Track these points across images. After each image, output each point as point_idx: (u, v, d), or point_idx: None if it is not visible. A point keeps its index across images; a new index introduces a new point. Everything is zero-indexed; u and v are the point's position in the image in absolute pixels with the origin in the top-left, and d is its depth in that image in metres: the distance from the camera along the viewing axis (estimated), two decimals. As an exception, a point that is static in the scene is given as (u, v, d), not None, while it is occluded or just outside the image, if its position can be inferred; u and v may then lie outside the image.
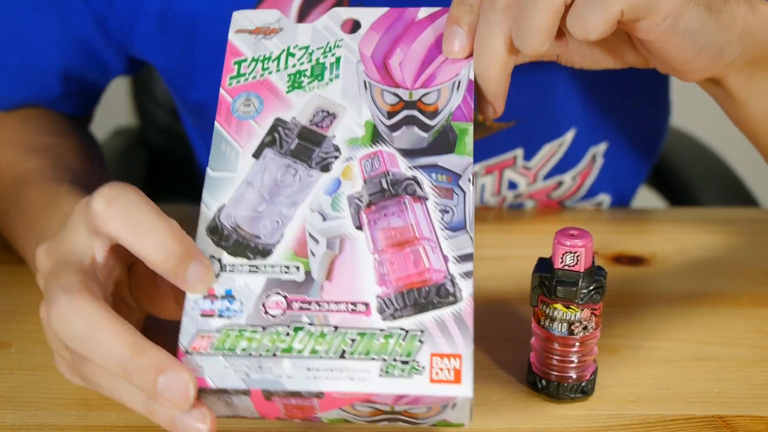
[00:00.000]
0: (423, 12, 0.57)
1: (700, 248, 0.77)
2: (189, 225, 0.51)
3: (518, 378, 0.60)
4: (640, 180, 0.94)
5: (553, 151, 0.87)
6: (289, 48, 0.57)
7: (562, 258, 0.55)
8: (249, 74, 0.56)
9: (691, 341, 0.64)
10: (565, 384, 0.57)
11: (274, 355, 0.47)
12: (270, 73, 0.56)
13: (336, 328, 0.48)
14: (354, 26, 0.57)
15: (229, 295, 0.49)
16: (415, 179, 0.52)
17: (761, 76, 0.60)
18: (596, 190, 0.90)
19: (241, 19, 0.58)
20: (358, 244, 0.50)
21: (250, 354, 0.47)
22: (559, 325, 0.56)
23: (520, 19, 0.52)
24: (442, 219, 0.51)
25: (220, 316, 0.48)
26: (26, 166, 0.71)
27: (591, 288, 0.55)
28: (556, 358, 0.57)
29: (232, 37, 0.57)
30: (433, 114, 0.54)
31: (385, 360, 0.47)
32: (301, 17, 0.72)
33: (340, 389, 0.46)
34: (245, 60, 0.56)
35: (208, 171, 0.53)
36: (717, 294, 0.70)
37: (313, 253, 0.50)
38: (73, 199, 0.62)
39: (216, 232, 0.51)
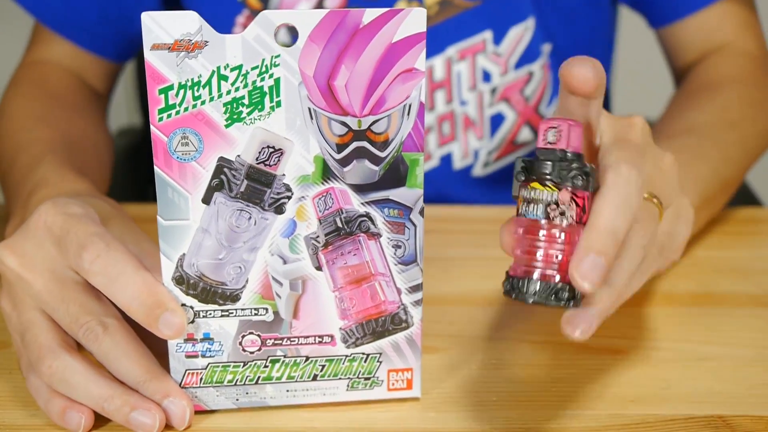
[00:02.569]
0: (369, 14, 0.49)
1: (700, 248, 0.75)
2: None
3: (518, 378, 0.60)
4: None
5: (519, 35, 0.87)
6: (219, 69, 0.49)
7: (544, 136, 0.51)
8: (179, 105, 0.50)
9: (691, 341, 0.64)
10: (534, 279, 0.49)
11: (257, 382, 0.56)
12: (203, 102, 0.50)
13: (307, 357, 0.56)
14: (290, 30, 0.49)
15: (207, 338, 0.55)
16: (368, 215, 0.53)
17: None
18: (557, 86, 0.88)
19: (154, 27, 0.48)
20: (319, 283, 0.55)
21: (236, 384, 0.56)
22: (535, 207, 0.50)
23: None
24: (395, 254, 0.54)
25: (203, 356, 0.55)
26: (30, 135, 0.78)
27: (573, 167, 0.49)
28: (531, 246, 0.50)
29: (149, 55, 0.49)
30: (384, 144, 0.52)
31: (350, 378, 0.57)
32: None
33: (315, 402, 0.57)
34: (171, 87, 0.49)
35: (160, 220, 0.52)
36: (717, 294, 0.70)
37: (278, 295, 0.55)
38: (49, 167, 0.69)
39: (182, 281, 0.54)
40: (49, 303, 0.55)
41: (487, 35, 0.89)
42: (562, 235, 0.49)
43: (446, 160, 0.94)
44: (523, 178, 0.51)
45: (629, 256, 0.52)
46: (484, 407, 0.58)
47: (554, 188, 0.50)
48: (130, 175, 1.10)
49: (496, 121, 0.91)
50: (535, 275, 0.49)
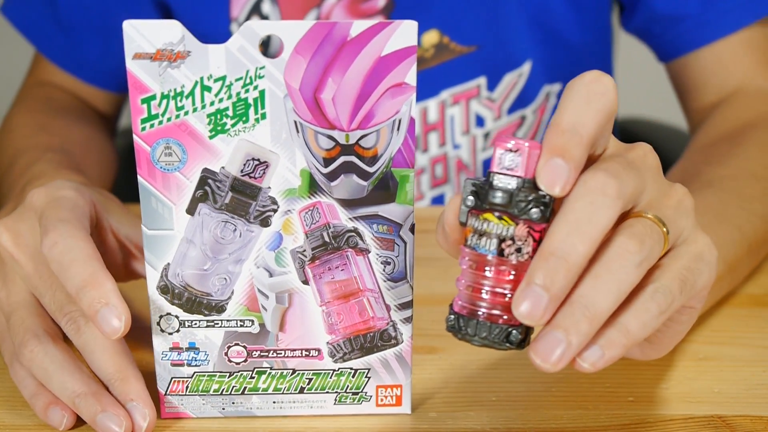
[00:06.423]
0: (357, 27, 0.47)
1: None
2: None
3: (517, 378, 0.60)
4: None
5: (513, 81, 0.87)
6: (202, 80, 0.48)
7: (500, 159, 0.45)
8: (162, 115, 0.49)
9: (691, 341, 0.63)
10: (486, 323, 0.46)
11: (243, 393, 0.55)
12: (186, 113, 0.49)
13: (294, 370, 0.55)
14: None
15: (193, 347, 0.54)
16: (356, 231, 0.52)
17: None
18: None
19: (135, 36, 0.47)
20: (306, 297, 0.53)
21: (222, 393, 0.55)
22: (487, 242, 0.45)
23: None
24: (383, 270, 0.53)
25: (189, 365, 0.55)
26: (30, 141, 0.81)
27: (530, 198, 0.44)
28: (478, 283, 0.46)
29: (131, 65, 0.48)
30: (373, 159, 0.50)
31: (338, 392, 0.56)
32: None
33: (302, 414, 0.56)
34: (154, 97, 0.48)
35: (144, 229, 0.51)
36: (717, 294, 0.67)
37: (264, 308, 0.54)
38: (47, 164, 0.71)
39: (167, 291, 0.53)
40: (38, 287, 0.55)
41: (482, 81, 0.89)
42: (512, 272, 0.45)
43: (438, 201, 0.95)
44: (471, 205, 0.46)
45: (609, 274, 0.43)
46: (484, 407, 0.57)
47: (510, 222, 0.45)
48: (129, 176, 1.11)
49: (489, 165, 0.90)
50: (481, 316, 0.46)
